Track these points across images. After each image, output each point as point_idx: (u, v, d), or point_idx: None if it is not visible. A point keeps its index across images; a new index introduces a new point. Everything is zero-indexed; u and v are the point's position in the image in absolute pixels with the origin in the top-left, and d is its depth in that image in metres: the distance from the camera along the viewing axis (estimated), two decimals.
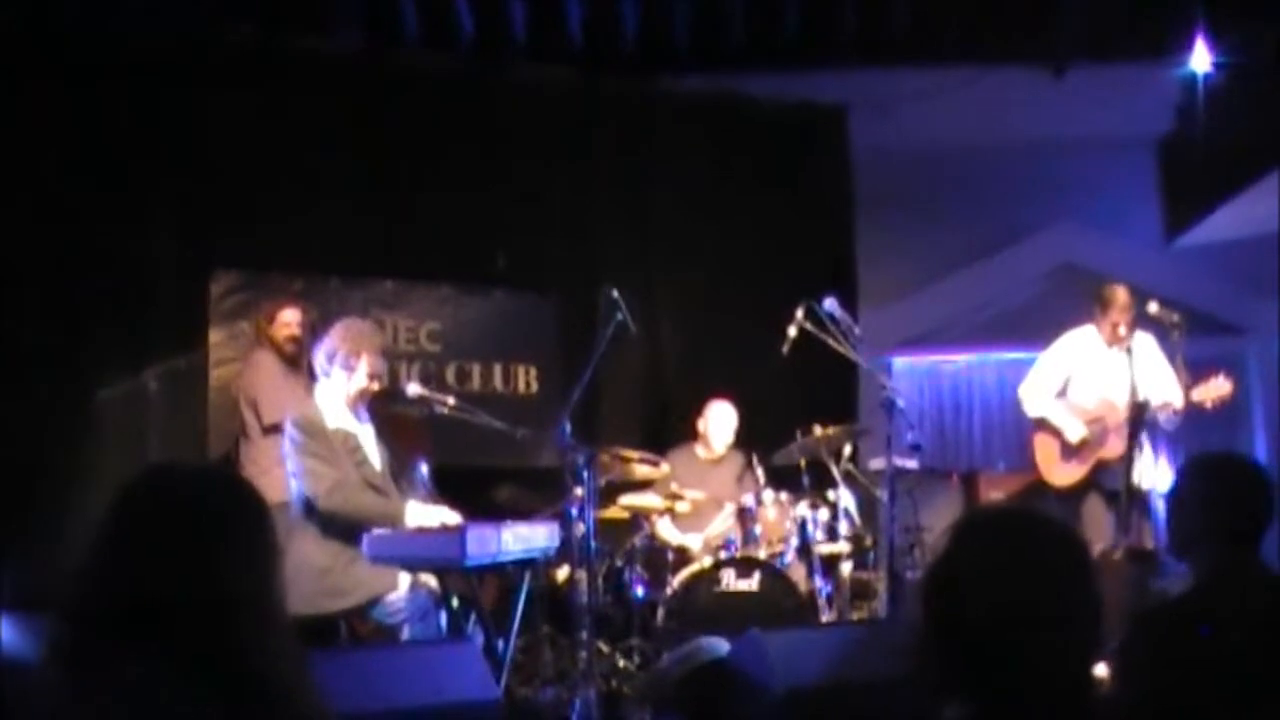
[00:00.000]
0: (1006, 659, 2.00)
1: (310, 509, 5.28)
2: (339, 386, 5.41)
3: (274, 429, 6.78)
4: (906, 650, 2.14)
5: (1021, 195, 10.07)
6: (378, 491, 5.36)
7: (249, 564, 2.06)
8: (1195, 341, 7.36)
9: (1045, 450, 7.29)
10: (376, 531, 5.05)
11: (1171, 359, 6.93)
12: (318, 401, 5.44)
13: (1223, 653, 2.76)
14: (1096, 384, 7.13)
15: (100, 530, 2.03)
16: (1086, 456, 7.06)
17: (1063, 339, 7.38)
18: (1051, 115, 9.57)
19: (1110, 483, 6.89)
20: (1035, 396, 7.33)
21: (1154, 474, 6.75)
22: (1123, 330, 7.00)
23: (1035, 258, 10.25)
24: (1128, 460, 6.46)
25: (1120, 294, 7.11)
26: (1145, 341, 7.03)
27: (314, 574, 5.16)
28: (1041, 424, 7.29)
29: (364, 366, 5.38)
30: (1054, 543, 2.11)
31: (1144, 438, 6.68)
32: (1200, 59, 8.70)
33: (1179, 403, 6.78)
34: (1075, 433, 7.08)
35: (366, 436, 5.50)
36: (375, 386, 5.49)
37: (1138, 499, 6.53)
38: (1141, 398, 6.60)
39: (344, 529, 5.21)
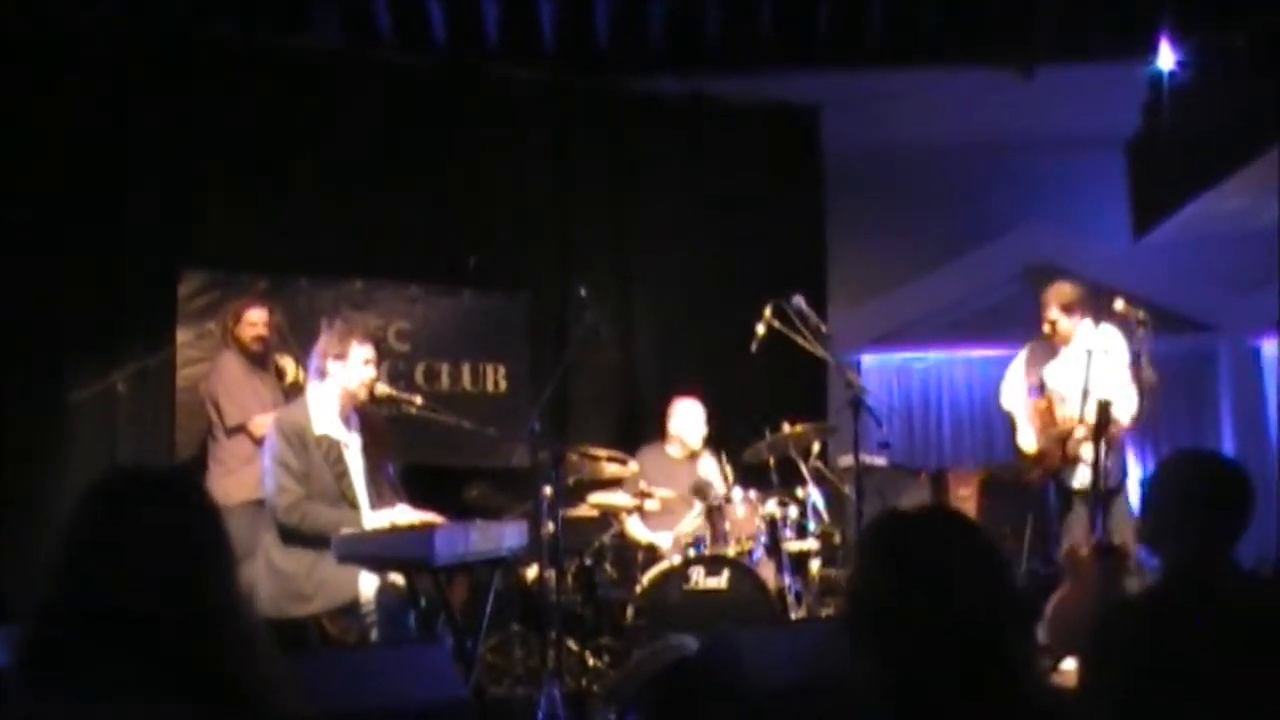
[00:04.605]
0: (923, 662, 2.02)
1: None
2: (338, 385, 5.38)
3: (238, 429, 6.76)
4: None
5: (991, 195, 10.12)
6: (349, 505, 5.31)
7: (213, 566, 2.06)
8: (1165, 339, 7.39)
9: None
10: (345, 532, 5.02)
11: (1138, 356, 6.74)
12: (309, 405, 5.37)
13: (1192, 648, 2.76)
14: (1058, 386, 6.97)
15: (63, 535, 2.03)
16: (1045, 463, 6.97)
17: (1031, 343, 7.21)
18: (1021, 116, 9.63)
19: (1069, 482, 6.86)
20: (1006, 394, 7.24)
21: (1120, 473, 6.73)
22: (1059, 326, 6.85)
23: (1005, 256, 10.29)
24: (1095, 459, 6.42)
25: (1055, 289, 6.92)
26: (1110, 339, 6.84)
27: (278, 579, 5.14)
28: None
29: (356, 354, 5.37)
30: (953, 543, 2.13)
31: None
32: (1166, 58, 8.75)
33: (1125, 415, 6.60)
34: (1026, 442, 7.04)
35: (353, 447, 5.45)
36: (374, 371, 5.47)
37: (1101, 498, 6.36)
38: (1101, 397, 6.39)
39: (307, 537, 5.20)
